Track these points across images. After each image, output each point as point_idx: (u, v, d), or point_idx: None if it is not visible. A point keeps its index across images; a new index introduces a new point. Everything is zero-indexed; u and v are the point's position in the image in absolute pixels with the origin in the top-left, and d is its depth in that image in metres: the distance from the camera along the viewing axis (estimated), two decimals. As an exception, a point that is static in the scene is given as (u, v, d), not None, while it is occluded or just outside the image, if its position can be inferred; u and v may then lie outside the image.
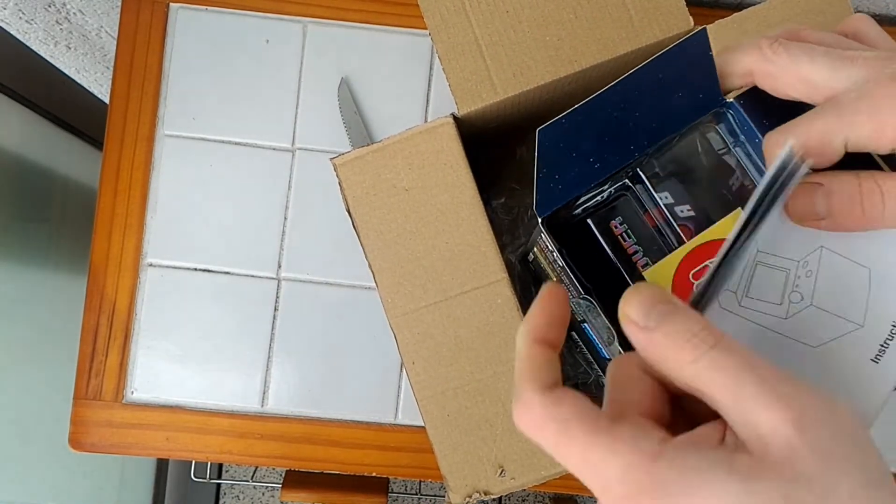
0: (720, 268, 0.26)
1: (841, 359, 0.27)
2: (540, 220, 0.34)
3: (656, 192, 0.35)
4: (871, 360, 0.27)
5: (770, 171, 0.23)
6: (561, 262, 0.36)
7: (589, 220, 0.35)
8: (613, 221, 0.36)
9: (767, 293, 0.28)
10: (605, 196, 0.35)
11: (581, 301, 0.36)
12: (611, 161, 0.33)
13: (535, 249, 0.42)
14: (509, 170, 0.54)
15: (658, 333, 0.21)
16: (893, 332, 0.27)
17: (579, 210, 0.36)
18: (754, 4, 0.42)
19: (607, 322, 0.34)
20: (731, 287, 0.29)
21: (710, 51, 0.32)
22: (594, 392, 0.51)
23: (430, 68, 0.60)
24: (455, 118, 0.39)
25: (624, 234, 0.36)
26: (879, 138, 0.23)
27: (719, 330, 0.20)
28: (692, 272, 0.32)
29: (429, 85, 0.60)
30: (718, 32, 0.42)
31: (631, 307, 0.21)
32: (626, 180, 0.35)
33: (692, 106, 0.30)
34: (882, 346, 0.27)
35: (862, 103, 0.23)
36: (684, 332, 0.20)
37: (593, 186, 0.34)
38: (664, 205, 0.35)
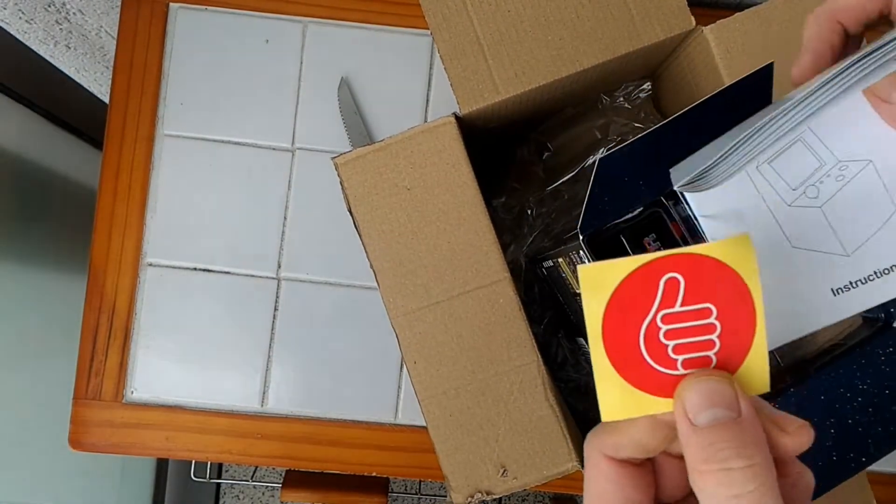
0: (758, 133, 0.24)
1: (806, 270, 0.26)
2: (581, 238, 0.34)
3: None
4: (832, 290, 0.25)
5: (869, 47, 0.21)
6: None
7: (621, 236, 0.35)
8: (647, 238, 0.35)
9: (789, 173, 0.26)
10: (638, 212, 0.35)
11: None
12: (659, 183, 0.32)
13: (560, 260, 0.42)
14: (511, 169, 0.54)
15: (703, 437, 0.19)
16: (870, 279, 0.25)
17: (612, 225, 0.36)
18: (755, 4, 0.42)
19: None
20: (761, 147, 0.26)
21: (771, 87, 0.32)
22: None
23: (430, 68, 0.60)
24: (457, 117, 0.39)
25: (656, 251, 0.35)
26: None
27: (765, 474, 0.18)
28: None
29: (429, 85, 0.60)
30: (719, 32, 0.42)
31: (689, 393, 0.20)
32: (661, 197, 0.34)
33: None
34: (851, 284, 0.25)
35: None
36: (726, 455, 0.18)
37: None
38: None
